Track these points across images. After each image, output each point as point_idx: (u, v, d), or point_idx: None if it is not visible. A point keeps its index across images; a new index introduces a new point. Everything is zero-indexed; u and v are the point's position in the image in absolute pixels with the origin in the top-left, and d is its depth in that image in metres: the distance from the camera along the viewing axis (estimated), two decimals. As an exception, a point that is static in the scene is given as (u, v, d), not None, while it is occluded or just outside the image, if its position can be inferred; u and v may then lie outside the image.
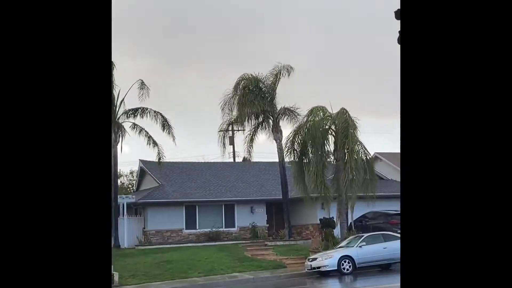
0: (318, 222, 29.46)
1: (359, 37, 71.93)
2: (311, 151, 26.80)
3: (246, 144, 31.70)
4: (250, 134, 31.85)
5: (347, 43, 72.31)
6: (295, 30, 70.17)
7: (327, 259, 23.08)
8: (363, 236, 24.72)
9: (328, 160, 27.27)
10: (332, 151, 26.93)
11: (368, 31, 71.24)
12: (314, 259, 23.50)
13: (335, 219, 27.86)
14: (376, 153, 43.73)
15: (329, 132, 26.96)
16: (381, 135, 70.77)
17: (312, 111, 27.46)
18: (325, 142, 26.68)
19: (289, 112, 31.56)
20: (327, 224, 28.00)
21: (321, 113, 27.36)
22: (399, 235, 26.43)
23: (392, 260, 23.02)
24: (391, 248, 22.79)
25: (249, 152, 32.12)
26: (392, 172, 42.04)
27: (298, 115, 31.07)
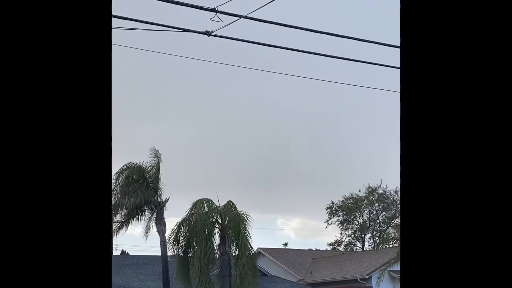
0: (201, 320, 28.16)
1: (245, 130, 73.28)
2: (196, 244, 25.94)
3: (115, 236, 30.49)
4: (121, 226, 30.61)
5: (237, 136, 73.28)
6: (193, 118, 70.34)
7: None
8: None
9: (214, 254, 26.51)
10: (218, 245, 26.22)
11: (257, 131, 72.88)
12: None
13: (219, 318, 26.73)
14: (259, 248, 43.53)
15: (216, 225, 26.35)
16: (261, 230, 71.05)
17: (197, 204, 26.88)
18: (211, 235, 26.01)
19: (173, 204, 30.75)
20: (210, 322, 26.77)
21: (206, 206, 26.83)
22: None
23: None
24: None
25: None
26: (275, 268, 41.84)
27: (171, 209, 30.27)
